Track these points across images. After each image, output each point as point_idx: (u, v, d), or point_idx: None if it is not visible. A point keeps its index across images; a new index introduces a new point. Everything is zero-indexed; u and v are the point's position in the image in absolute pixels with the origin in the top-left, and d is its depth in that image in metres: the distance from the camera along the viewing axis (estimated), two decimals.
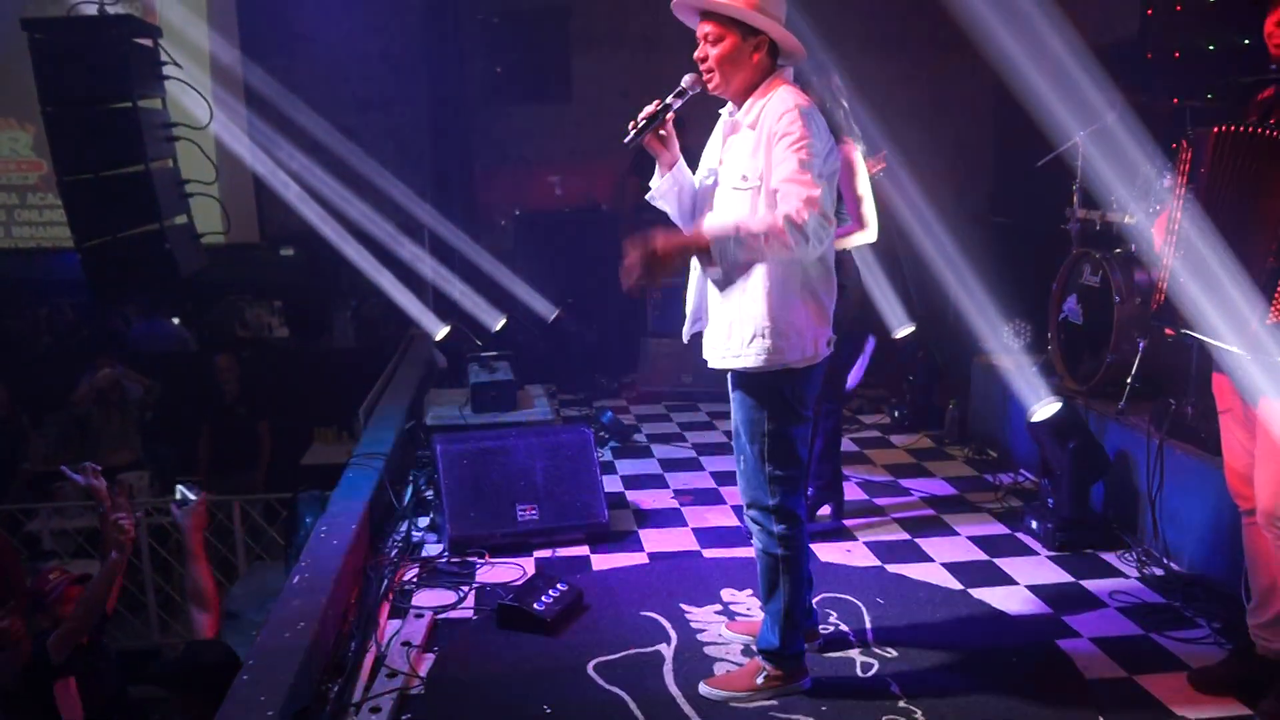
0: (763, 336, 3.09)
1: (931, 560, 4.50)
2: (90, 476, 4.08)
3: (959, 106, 8.64)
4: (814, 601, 3.67)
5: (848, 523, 4.89)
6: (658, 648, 3.70)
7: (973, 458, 5.97)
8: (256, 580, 6.59)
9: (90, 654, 4.00)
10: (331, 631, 3.67)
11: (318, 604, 3.54)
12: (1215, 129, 2.99)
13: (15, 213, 9.56)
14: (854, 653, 3.66)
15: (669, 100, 3.12)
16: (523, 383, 6.35)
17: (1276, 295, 2.83)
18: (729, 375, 3.26)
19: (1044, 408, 4.74)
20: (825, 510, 4.87)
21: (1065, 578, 4.29)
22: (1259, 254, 2.88)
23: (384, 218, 8.43)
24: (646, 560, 4.58)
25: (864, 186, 4.44)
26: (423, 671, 3.57)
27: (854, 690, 3.43)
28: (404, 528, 4.84)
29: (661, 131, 3.15)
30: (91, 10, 4.34)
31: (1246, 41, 4.66)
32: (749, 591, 4.11)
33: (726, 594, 4.13)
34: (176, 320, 9.20)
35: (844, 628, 3.84)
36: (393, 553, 4.54)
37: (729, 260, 2.87)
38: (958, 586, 4.22)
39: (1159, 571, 4.28)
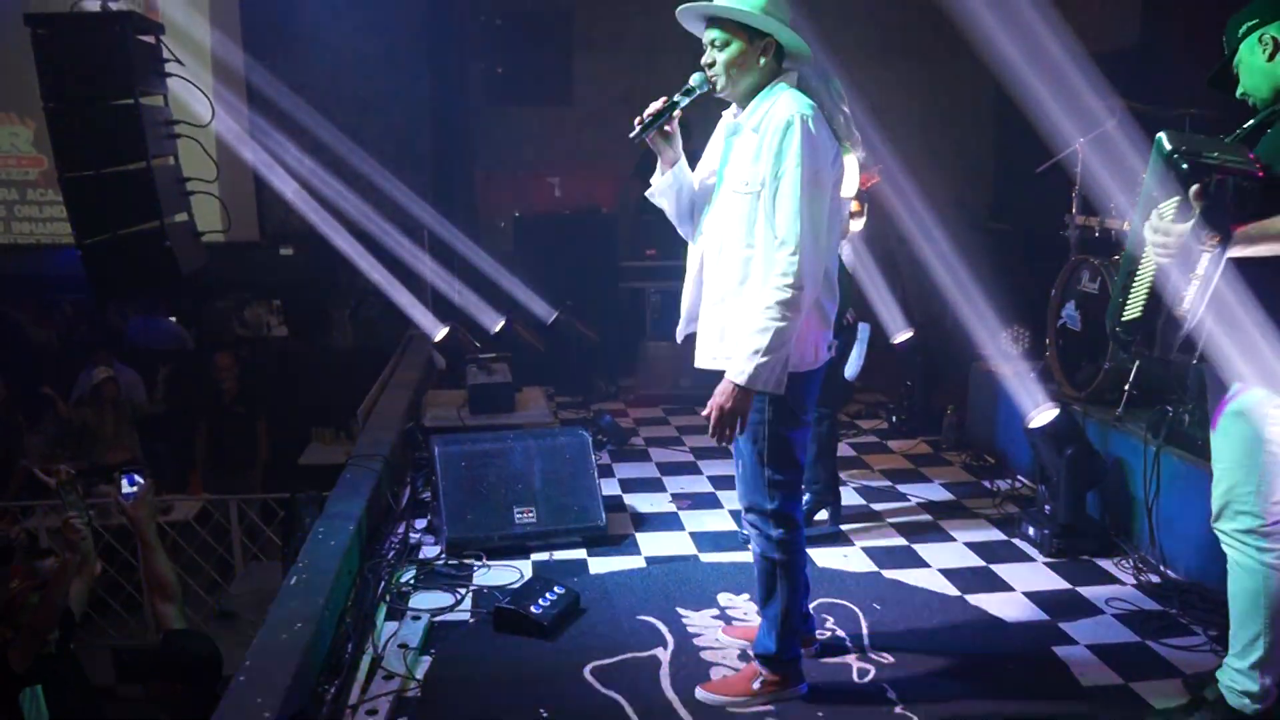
0: None
1: (928, 566, 4.50)
2: (62, 478, 4.07)
3: (959, 113, 8.66)
4: (811, 606, 3.67)
5: (845, 528, 4.89)
6: (654, 652, 3.70)
7: (970, 463, 5.97)
8: (253, 581, 6.60)
9: (56, 661, 3.97)
10: (329, 633, 3.67)
11: (315, 605, 3.53)
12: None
13: (15, 208, 9.54)
14: (851, 658, 3.66)
15: (676, 98, 3.12)
16: (521, 385, 6.35)
17: None
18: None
19: (1041, 414, 4.75)
20: (822, 515, 4.87)
21: (1062, 584, 4.30)
22: None
23: (384, 218, 8.43)
24: (644, 564, 4.57)
25: (848, 192, 4.42)
26: (420, 674, 3.57)
27: (850, 696, 3.43)
28: (402, 529, 4.83)
29: (667, 129, 3.16)
30: (94, 7, 4.34)
31: None
32: (746, 596, 4.11)
33: (724, 598, 4.14)
34: (174, 319, 9.19)
35: (841, 633, 3.84)
36: (390, 554, 4.54)
37: (775, 365, 2.99)
38: (954, 592, 4.22)
39: (1155, 579, 4.28)
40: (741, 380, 3.00)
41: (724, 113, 3.26)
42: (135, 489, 4.10)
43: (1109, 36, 6.78)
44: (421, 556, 4.60)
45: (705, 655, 3.67)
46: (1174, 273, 2.88)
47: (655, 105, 3.12)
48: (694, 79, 3.12)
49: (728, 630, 3.83)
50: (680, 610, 4.02)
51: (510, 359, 6.41)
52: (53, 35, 4.23)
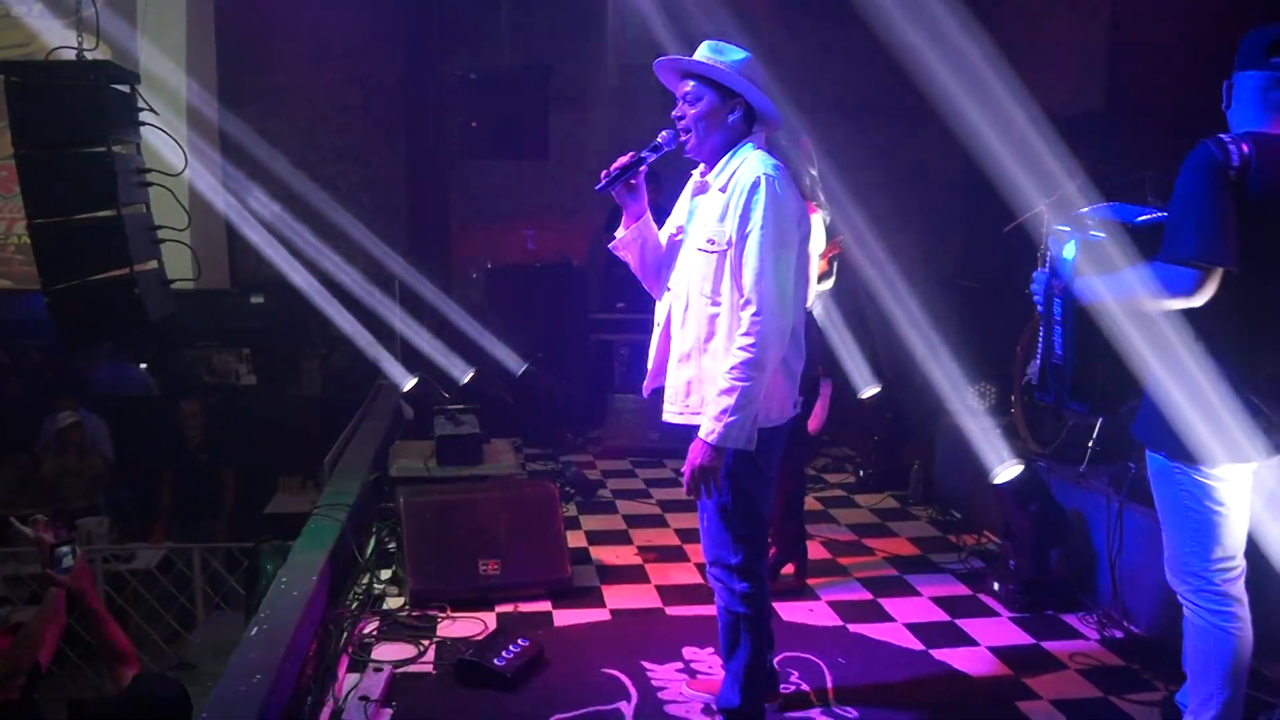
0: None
1: (893, 620, 4.51)
2: (39, 529, 4.01)
3: (927, 173, 8.77)
4: (775, 660, 3.67)
5: (811, 581, 4.89)
6: (618, 705, 3.68)
7: (936, 518, 6.01)
8: (215, 631, 6.49)
9: (19, 710, 3.89)
10: (289, 684, 3.62)
11: (276, 656, 3.49)
12: None
13: None
14: (815, 713, 3.65)
15: (643, 154, 3.18)
16: (489, 436, 6.34)
17: None
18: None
19: (1006, 470, 4.79)
20: (788, 570, 4.87)
21: (1026, 639, 4.31)
22: None
23: (355, 268, 8.44)
24: (609, 616, 4.56)
25: (814, 249, 4.46)
26: None
27: None
28: (366, 580, 4.80)
29: (633, 182, 3.20)
30: (70, 55, 4.36)
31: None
32: (711, 649, 4.09)
33: (688, 651, 4.12)
34: (144, 366, 9.12)
35: (805, 687, 3.83)
36: (354, 605, 4.50)
37: (745, 423, 3.03)
38: (919, 647, 4.23)
39: (1119, 634, 4.31)
40: (713, 440, 3.03)
41: (693, 172, 3.31)
42: (72, 561, 4.03)
43: (1072, 101, 6.92)
44: (385, 607, 4.57)
45: (669, 709, 3.65)
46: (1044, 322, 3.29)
47: (623, 160, 3.18)
48: (662, 136, 3.19)
49: (692, 684, 3.81)
50: (645, 663, 4.01)
51: (479, 410, 6.41)
52: (26, 83, 4.24)
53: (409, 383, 7.41)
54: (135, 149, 4.65)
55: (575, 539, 5.44)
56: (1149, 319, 2.95)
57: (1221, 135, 2.88)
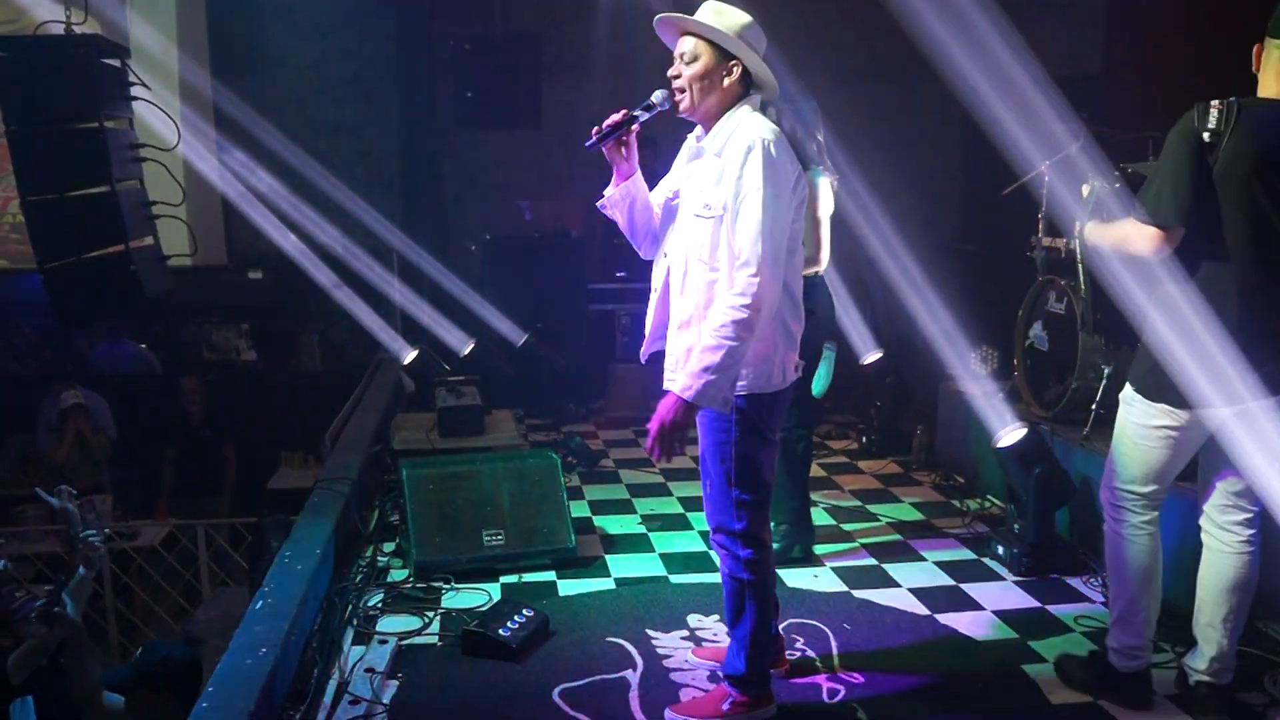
0: None
1: (898, 586, 4.51)
2: (65, 500, 4.03)
3: (926, 136, 8.72)
4: (781, 627, 3.67)
5: (815, 549, 4.88)
6: (624, 674, 3.69)
7: (940, 483, 6.00)
8: (220, 606, 6.50)
9: (48, 674, 3.93)
10: (294, 658, 3.62)
11: (280, 630, 3.49)
12: None
13: None
14: (820, 679, 3.65)
15: (636, 112, 3.14)
16: (490, 407, 6.33)
17: None
18: None
19: (1009, 434, 4.78)
20: (797, 554, 4.81)
21: (1031, 603, 4.31)
22: None
23: (353, 241, 8.41)
24: (613, 586, 4.56)
25: (824, 214, 4.45)
26: (386, 699, 3.54)
27: (820, 716, 3.42)
28: (369, 553, 4.80)
29: (624, 139, 3.17)
30: (59, 30, 4.31)
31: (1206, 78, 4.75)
32: (716, 617, 4.10)
33: (693, 619, 4.12)
34: (144, 345, 9.11)
35: (810, 653, 3.84)
36: (358, 578, 4.50)
37: (723, 384, 2.98)
38: (924, 612, 4.23)
39: None
40: (688, 395, 2.98)
41: (688, 135, 3.28)
42: (99, 541, 4.06)
43: (1073, 62, 6.87)
44: (389, 580, 4.57)
45: (674, 677, 3.66)
46: None
47: (614, 117, 3.14)
48: (656, 95, 3.15)
49: (697, 651, 3.82)
50: (650, 632, 4.01)
51: (479, 381, 6.39)
52: (15, 58, 4.20)
53: (409, 355, 7.39)
54: (128, 124, 4.61)
55: (578, 509, 5.44)
56: (1141, 265, 3.17)
57: (1214, 101, 3.03)
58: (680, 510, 5.56)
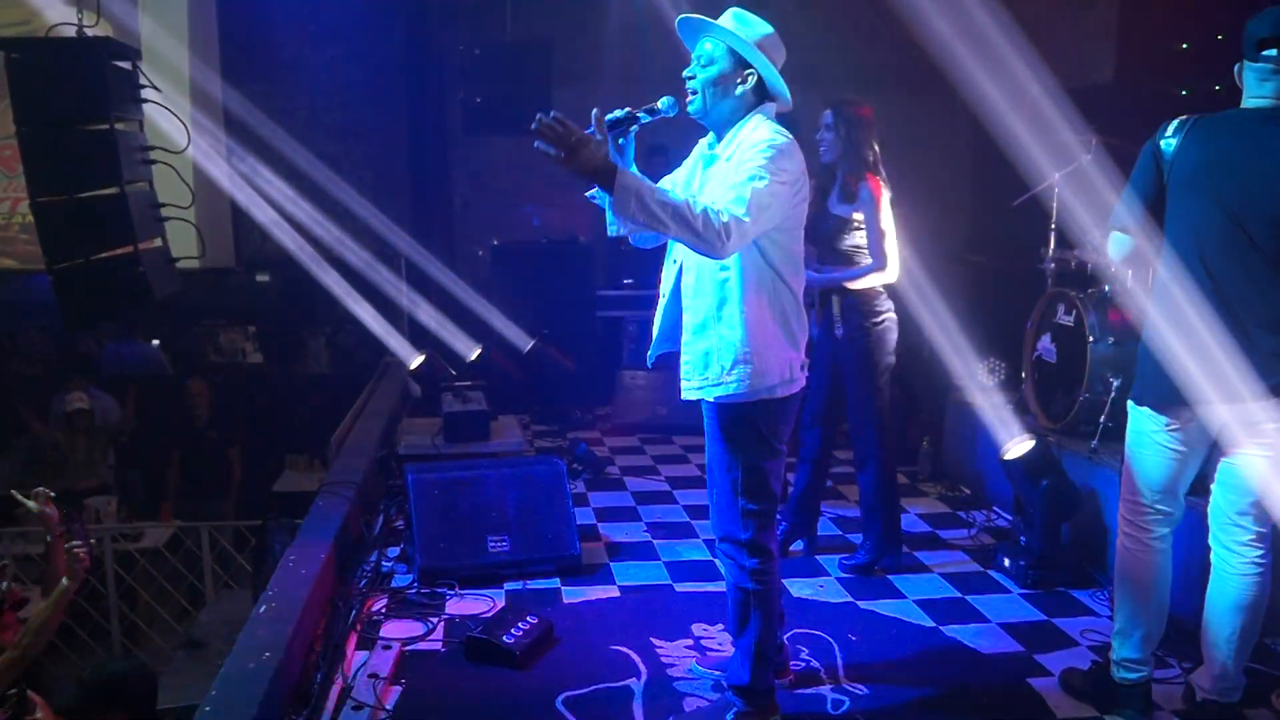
0: (745, 362, 3.08)
1: (904, 597, 4.49)
2: (42, 503, 4.00)
3: (935, 146, 8.71)
4: (786, 637, 3.65)
5: (819, 558, 4.87)
6: (627, 682, 3.67)
7: (946, 494, 5.98)
8: (223, 609, 6.52)
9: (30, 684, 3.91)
10: (297, 662, 3.61)
11: (284, 634, 3.48)
12: None
13: None
14: (825, 689, 3.64)
15: (639, 113, 3.11)
16: (496, 413, 6.33)
17: None
18: (704, 408, 3.26)
19: (1017, 446, 4.76)
20: (797, 547, 4.85)
21: (1037, 615, 4.29)
22: None
23: (361, 245, 8.42)
24: (618, 593, 4.54)
25: (886, 224, 4.48)
26: (389, 704, 3.53)
27: None
28: (374, 558, 4.79)
29: (620, 141, 3.14)
30: (70, 32, 4.32)
31: (1217, 88, 4.74)
32: (720, 626, 4.08)
33: (698, 628, 4.11)
34: (156, 342, 9.12)
35: (815, 664, 3.82)
36: (362, 583, 4.49)
37: (626, 211, 2.87)
38: (930, 623, 4.21)
39: None
40: (613, 176, 2.86)
41: (700, 140, 3.27)
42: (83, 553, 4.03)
43: (1084, 72, 6.86)
44: (393, 585, 4.56)
45: (679, 686, 3.64)
46: None
47: (618, 112, 3.12)
48: (663, 101, 3.12)
49: (702, 661, 3.80)
50: (654, 640, 3.99)
51: (486, 387, 6.39)
52: (27, 60, 4.20)
53: (416, 360, 7.39)
54: (138, 126, 4.62)
55: (583, 516, 5.43)
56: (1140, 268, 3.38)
57: (1182, 117, 3.17)
58: (686, 518, 5.54)
